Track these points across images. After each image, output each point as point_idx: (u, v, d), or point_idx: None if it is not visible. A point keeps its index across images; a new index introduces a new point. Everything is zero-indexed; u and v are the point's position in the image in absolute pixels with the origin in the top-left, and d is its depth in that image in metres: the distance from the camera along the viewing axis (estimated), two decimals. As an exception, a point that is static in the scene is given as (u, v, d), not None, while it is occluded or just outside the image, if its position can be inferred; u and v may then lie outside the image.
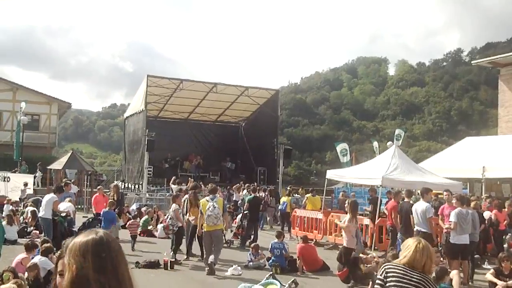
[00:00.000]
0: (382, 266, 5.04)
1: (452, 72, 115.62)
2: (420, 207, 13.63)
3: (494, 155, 26.49)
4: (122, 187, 33.12)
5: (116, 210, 18.20)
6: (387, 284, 4.85)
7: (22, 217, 21.10)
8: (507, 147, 27.34)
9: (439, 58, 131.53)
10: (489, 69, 45.60)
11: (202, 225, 14.11)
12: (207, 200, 14.06)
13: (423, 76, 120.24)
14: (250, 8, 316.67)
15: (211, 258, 13.80)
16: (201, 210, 14.16)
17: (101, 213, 16.99)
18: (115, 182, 30.82)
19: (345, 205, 14.15)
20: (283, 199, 25.68)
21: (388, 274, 4.87)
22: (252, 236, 18.82)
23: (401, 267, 4.85)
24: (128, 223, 19.64)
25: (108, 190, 22.64)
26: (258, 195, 22.10)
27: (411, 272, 4.76)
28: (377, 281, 5.01)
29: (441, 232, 14.15)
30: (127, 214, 22.80)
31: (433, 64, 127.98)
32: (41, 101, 46.16)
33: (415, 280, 4.73)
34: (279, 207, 25.94)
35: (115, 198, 19.38)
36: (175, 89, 34.86)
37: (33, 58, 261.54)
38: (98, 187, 21.11)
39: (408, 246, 4.95)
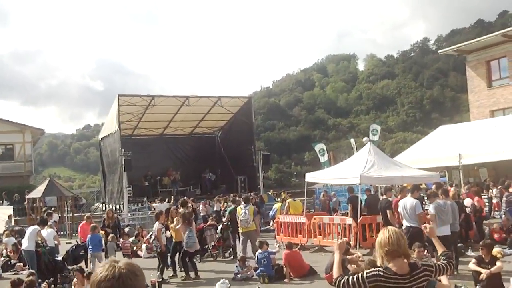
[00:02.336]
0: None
1: (421, 62, 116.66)
2: (408, 203, 13.69)
3: (468, 141, 26.85)
4: (104, 208, 32.94)
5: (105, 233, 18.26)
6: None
7: (4, 250, 20.85)
8: (480, 132, 27.73)
9: (407, 49, 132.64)
10: (456, 56, 46.15)
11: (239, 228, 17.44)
12: (241, 208, 17.15)
13: (392, 69, 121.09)
14: (216, 17, 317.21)
15: (241, 251, 16.94)
16: (237, 215, 17.46)
17: (87, 239, 16.83)
18: (107, 208, 30.69)
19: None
20: (275, 205, 25.67)
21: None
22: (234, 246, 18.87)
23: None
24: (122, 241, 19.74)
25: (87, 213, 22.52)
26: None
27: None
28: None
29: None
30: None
31: (401, 56, 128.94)
32: (14, 130, 45.63)
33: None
34: (270, 213, 25.90)
35: (109, 224, 19.39)
36: (147, 106, 34.71)
37: (2, 86, 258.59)
38: (86, 215, 20.80)
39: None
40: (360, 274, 4.81)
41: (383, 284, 4.66)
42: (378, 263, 4.82)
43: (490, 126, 28.78)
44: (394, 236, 4.69)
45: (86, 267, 16.46)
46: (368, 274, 4.75)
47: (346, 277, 4.85)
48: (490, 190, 23.57)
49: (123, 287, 2.47)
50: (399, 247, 4.67)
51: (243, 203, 17.55)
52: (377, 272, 4.71)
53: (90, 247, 16.57)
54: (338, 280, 4.88)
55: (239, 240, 18.53)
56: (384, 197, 16.76)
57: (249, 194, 20.12)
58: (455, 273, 13.03)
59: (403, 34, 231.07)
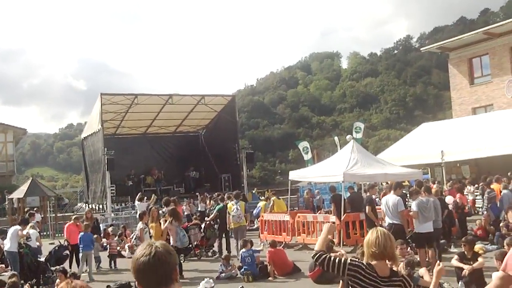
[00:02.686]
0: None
1: (404, 59, 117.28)
2: (391, 200, 13.71)
3: (451, 138, 27.11)
4: (86, 208, 32.72)
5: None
6: None
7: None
8: (462, 130, 28.00)
9: (390, 47, 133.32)
10: (438, 53, 46.48)
11: (230, 223, 17.76)
12: (232, 204, 17.71)
13: (375, 66, 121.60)
14: (199, 16, 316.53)
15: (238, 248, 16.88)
16: (228, 212, 17.77)
17: (79, 237, 16.71)
18: (87, 208, 30.43)
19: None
20: (259, 203, 25.65)
21: None
22: (224, 246, 18.83)
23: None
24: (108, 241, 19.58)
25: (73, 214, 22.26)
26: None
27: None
28: None
29: (411, 222, 14.40)
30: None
31: (384, 53, 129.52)
32: (-5, 130, 45.32)
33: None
34: (254, 212, 25.86)
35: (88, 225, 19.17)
36: (130, 104, 34.51)
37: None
38: (74, 216, 20.43)
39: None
40: (344, 259, 4.87)
41: (361, 278, 4.69)
42: (364, 260, 4.84)
43: (472, 123, 29.07)
44: (381, 238, 4.72)
45: (70, 267, 16.40)
46: (351, 262, 4.79)
47: (329, 255, 4.89)
48: (467, 188, 23.78)
49: (158, 263, 2.86)
50: (385, 249, 4.70)
51: (234, 199, 18.10)
52: (360, 264, 4.74)
53: (81, 245, 16.50)
54: (319, 254, 4.92)
55: (225, 238, 18.59)
56: (368, 194, 16.84)
57: (239, 191, 20.71)
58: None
59: (386, 31, 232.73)
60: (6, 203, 34.09)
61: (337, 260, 4.80)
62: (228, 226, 18.16)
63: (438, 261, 5.55)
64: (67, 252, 17.80)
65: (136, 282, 2.95)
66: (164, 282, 2.89)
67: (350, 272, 4.72)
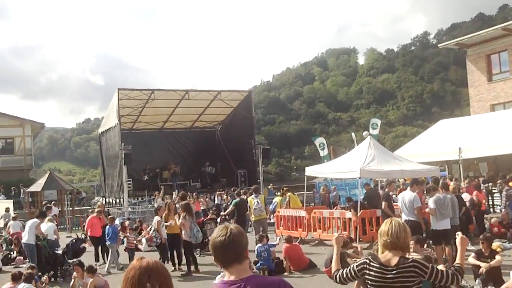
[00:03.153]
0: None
1: (421, 56, 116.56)
2: (407, 196, 13.61)
3: (468, 135, 26.85)
4: (104, 202, 32.95)
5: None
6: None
7: (5, 244, 20.98)
8: (480, 126, 27.72)
9: (407, 43, 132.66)
10: (456, 50, 46.08)
11: (251, 217, 18.47)
12: (253, 198, 18.30)
13: (392, 62, 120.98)
14: (216, 11, 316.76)
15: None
16: (249, 206, 18.43)
17: (106, 230, 16.84)
18: (99, 201, 30.62)
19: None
20: (275, 199, 25.67)
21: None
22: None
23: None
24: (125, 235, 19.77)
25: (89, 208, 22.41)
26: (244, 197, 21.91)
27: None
28: None
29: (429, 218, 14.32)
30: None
31: (401, 50, 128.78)
32: (14, 124, 45.67)
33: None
34: (270, 207, 25.89)
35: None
36: (147, 99, 34.66)
37: (2, 80, 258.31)
38: (98, 209, 20.48)
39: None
40: (351, 265, 5.00)
41: (368, 272, 4.79)
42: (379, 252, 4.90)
43: (490, 120, 28.76)
44: (395, 229, 4.76)
45: (97, 261, 16.59)
46: (357, 263, 4.95)
47: (341, 270, 5.07)
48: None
49: (233, 242, 3.39)
50: (398, 240, 4.74)
51: (253, 193, 18.71)
52: (364, 260, 4.88)
53: (107, 237, 16.65)
54: (335, 274, 5.14)
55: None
56: (386, 190, 16.78)
57: (257, 186, 21.35)
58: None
59: (403, 27, 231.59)
60: (22, 195, 34.45)
61: (346, 271, 5.00)
62: (250, 219, 18.69)
63: (459, 234, 5.49)
64: (84, 245, 17.96)
65: (214, 258, 3.51)
66: (237, 258, 3.42)
67: (360, 272, 4.86)
